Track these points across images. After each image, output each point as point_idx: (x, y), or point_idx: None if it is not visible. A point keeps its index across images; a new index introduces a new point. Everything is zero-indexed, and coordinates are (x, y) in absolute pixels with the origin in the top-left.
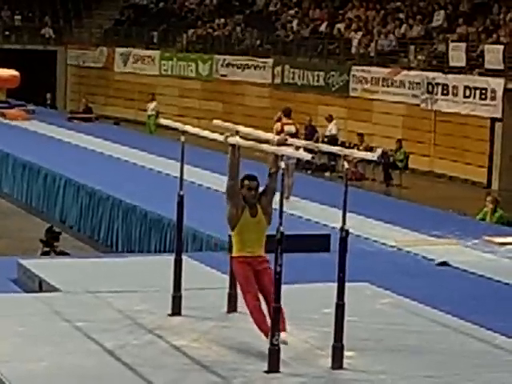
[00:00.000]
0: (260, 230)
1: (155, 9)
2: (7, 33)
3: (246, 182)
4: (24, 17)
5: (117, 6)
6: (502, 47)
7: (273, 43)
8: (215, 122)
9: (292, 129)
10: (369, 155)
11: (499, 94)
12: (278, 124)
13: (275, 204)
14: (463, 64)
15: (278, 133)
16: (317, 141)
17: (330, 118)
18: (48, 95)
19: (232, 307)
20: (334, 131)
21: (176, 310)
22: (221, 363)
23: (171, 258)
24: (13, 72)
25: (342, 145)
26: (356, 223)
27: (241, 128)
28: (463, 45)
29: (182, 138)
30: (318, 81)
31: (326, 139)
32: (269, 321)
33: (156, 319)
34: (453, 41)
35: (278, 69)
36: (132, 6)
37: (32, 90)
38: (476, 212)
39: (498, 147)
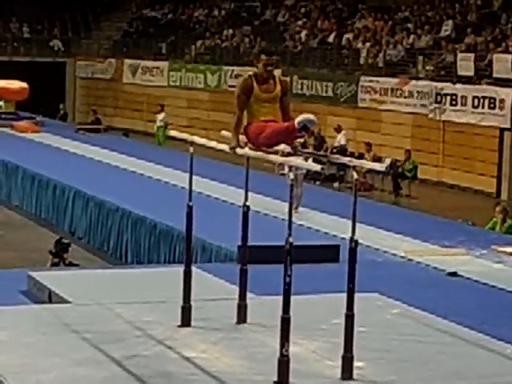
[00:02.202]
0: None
1: (164, 20)
2: (16, 45)
3: (264, 56)
4: (33, 29)
5: (125, 17)
6: (510, 57)
7: (281, 54)
8: (223, 132)
9: (300, 139)
10: (377, 166)
11: (508, 103)
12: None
13: (284, 214)
14: (472, 74)
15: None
16: (326, 151)
17: (338, 129)
18: (61, 106)
19: (241, 318)
20: (342, 142)
21: (185, 321)
22: (230, 374)
23: (180, 269)
24: (22, 84)
25: (351, 155)
26: (365, 233)
27: None
28: (471, 55)
29: (191, 149)
30: (326, 91)
31: (335, 150)
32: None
33: (165, 330)
34: (461, 51)
35: (287, 79)
36: (140, 18)
37: (41, 102)
38: (485, 222)
39: (507, 157)
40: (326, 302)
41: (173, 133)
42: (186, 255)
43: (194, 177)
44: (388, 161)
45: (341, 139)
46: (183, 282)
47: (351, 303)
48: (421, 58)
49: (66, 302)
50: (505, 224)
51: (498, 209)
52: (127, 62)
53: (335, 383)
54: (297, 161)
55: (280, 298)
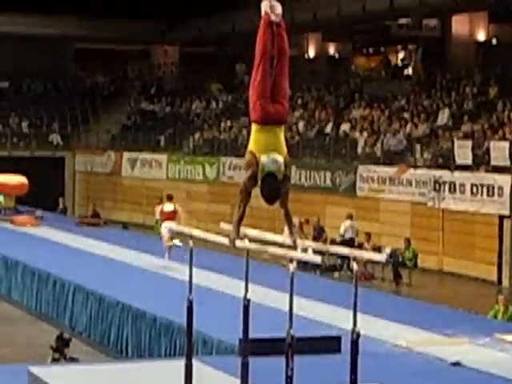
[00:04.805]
0: None
1: (162, 113)
2: (15, 140)
3: None
4: (32, 124)
5: (124, 111)
6: (507, 144)
7: None
8: (222, 225)
9: (171, 207)
10: (377, 256)
11: (506, 190)
12: (160, 206)
13: (284, 305)
14: (469, 161)
15: (161, 212)
16: (325, 241)
17: (350, 217)
18: (61, 199)
19: None
20: (349, 234)
21: None
22: None
23: (182, 362)
24: (21, 179)
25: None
26: (367, 324)
27: (249, 231)
28: (469, 142)
29: (190, 243)
30: (324, 181)
31: (340, 239)
32: None
33: None
34: (458, 138)
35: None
36: (139, 111)
37: (41, 196)
38: (487, 310)
39: (508, 244)
40: None
41: (172, 226)
42: (187, 349)
43: (194, 269)
44: (388, 250)
45: (348, 229)
46: (184, 376)
47: None
48: (418, 146)
49: None
50: (507, 312)
51: (500, 298)
52: (126, 155)
53: None
54: (297, 253)
55: None
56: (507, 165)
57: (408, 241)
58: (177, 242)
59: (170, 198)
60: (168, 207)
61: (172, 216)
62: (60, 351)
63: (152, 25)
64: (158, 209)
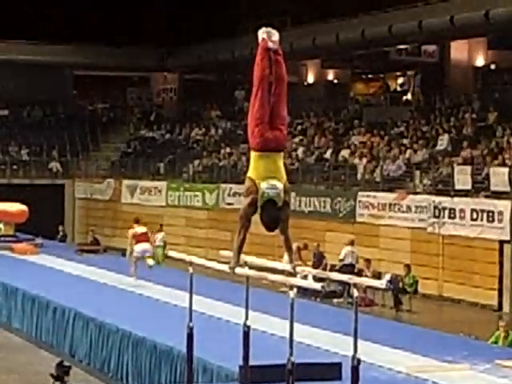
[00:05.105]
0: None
1: (161, 140)
2: (15, 167)
3: None
4: (31, 151)
5: (123, 138)
6: (507, 169)
7: None
8: (222, 253)
9: (143, 229)
10: (377, 283)
11: (506, 215)
12: (132, 229)
13: (284, 331)
14: (469, 187)
15: (134, 235)
16: (325, 267)
17: (351, 243)
18: (60, 227)
19: None
20: (349, 259)
21: None
22: None
23: None
24: (21, 207)
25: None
26: (367, 350)
27: (249, 258)
28: (468, 168)
29: (190, 269)
30: (324, 207)
31: (338, 266)
32: None
33: None
34: (458, 164)
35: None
36: (138, 138)
37: (40, 224)
38: (488, 335)
39: (508, 269)
40: None
41: (172, 253)
42: (188, 376)
43: (194, 296)
44: (388, 276)
45: (348, 254)
46: None
47: None
48: (418, 172)
49: None
50: (508, 338)
51: (501, 324)
52: (125, 182)
53: None
54: (297, 280)
55: None
56: (507, 190)
57: (408, 267)
58: (150, 261)
59: (137, 222)
60: (141, 229)
61: (145, 238)
62: (60, 379)
63: (151, 52)
64: (130, 233)
